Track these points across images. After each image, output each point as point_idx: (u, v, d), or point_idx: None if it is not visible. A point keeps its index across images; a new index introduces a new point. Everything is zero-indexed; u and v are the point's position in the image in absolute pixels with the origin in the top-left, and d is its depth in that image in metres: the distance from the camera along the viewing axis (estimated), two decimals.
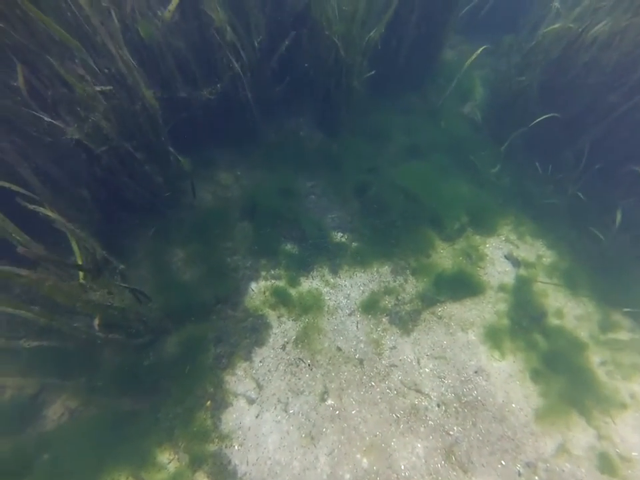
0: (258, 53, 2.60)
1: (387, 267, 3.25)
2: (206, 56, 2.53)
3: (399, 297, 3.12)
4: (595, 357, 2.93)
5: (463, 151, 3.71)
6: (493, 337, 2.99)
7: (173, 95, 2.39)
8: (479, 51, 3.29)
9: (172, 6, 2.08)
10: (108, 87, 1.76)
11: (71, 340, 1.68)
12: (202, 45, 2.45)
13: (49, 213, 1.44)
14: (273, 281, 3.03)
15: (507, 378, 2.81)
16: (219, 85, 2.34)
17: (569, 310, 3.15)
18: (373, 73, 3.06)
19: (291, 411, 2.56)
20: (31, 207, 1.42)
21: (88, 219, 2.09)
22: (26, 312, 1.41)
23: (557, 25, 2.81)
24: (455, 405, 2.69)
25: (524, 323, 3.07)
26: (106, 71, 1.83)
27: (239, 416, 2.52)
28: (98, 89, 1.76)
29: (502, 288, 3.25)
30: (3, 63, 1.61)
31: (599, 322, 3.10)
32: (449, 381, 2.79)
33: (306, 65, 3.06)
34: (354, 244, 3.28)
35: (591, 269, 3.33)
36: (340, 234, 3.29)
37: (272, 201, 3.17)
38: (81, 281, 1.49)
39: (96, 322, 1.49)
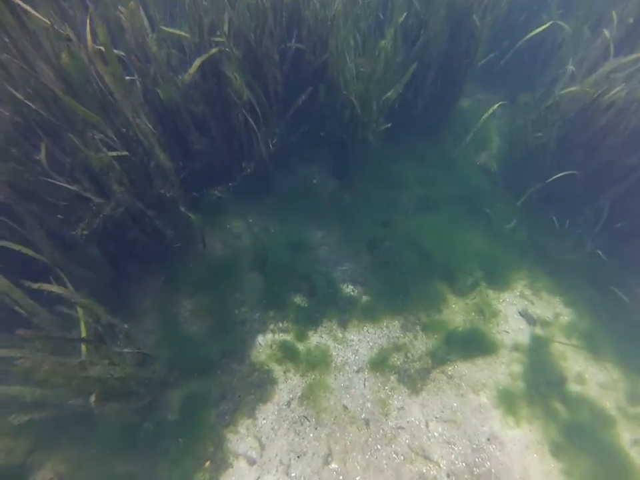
0: (274, 107, 2.65)
1: (396, 322, 3.18)
2: (222, 111, 2.58)
3: (408, 354, 3.03)
4: (625, 434, 2.74)
5: (478, 203, 3.67)
6: (507, 401, 2.85)
7: (188, 147, 2.44)
8: (495, 107, 3.30)
9: (192, 69, 2.14)
10: (124, 153, 1.79)
11: (65, 411, 1.65)
12: (219, 100, 2.51)
13: (55, 289, 1.45)
14: (280, 335, 2.99)
15: (523, 449, 2.66)
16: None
17: (591, 376, 2.99)
18: (389, 125, 3.08)
19: (292, 474, 2.47)
20: (35, 286, 1.43)
21: (96, 276, 2.10)
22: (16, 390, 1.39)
23: (573, 89, 2.80)
24: (466, 476, 2.55)
25: (541, 387, 2.93)
26: (123, 131, 1.87)
27: (239, 478, 2.43)
28: (114, 154, 1.80)
29: (516, 347, 3.12)
30: (28, 138, 1.67)
31: (627, 392, 2.93)
32: (460, 448, 2.65)
33: (322, 116, 3.11)
34: (364, 297, 3.23)
35: (614, 332, 3.19)
36: (350, 287, 3.25)
37: (283, 253, 3.17)
38: (83, 357, 1.47)
39: (92, 398, 1.46)
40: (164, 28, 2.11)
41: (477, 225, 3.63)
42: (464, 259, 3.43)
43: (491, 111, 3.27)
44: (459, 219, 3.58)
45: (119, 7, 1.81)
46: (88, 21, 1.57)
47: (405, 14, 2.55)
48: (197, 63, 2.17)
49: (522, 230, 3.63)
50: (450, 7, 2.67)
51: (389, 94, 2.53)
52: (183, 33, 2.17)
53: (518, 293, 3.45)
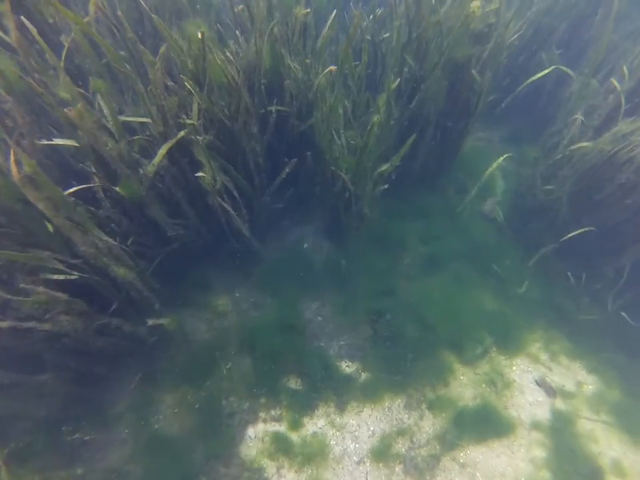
0: (256, 180, 2.39)
1: (399, 400, 2.88)
2: (198, 193, 2.32)
3: (414, 439, 2.73)
4: None
5: (486, 259, 3.38)
6: None
7: (162, 233, 2.18)
8: (500, 160, 3.02)
9: (157, 159, 1.88)
10: (73, 275, 1.52)
11: None
12: (194, 183, 2.24)
13: None
14: (273, 424, 2.70)
15: None
16: None
17: (630, 463, 2.65)
18: (386, 186, 2.80)
19: None
20: None
21: (48, 402, 1.82)
22: None
23: (586, 144, 2.52)
24: None
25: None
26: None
27: None
28: (62, 277, 1.52)
29: (535, 425, 2.81)
30: None
31: None
32: None
33: (312, 178, 2.85)
34: (363, 375, 2.93)
35: None
36: (348, 363, 2.96)
37: (273, 332, 2.89)
38: None
39: None
40: (122, 117, 1.86)
41: (485, 284, 3.34)
42: (472, 325, 3.13)
43: (495, 165, 3.00)
44: (466, 279, 3.29)
45: (67, 109, 1.55)
46: (11, 153, 1.32)
47: (397, 80, 2.28)
48: (162, 151, 1.91)
49: (534, 287, 3.33)
50: (447, 63, 2.41)
51: (384, 168, 2.26)
52: (144, 120, 1.91)
53: (533, 358, 3.14)
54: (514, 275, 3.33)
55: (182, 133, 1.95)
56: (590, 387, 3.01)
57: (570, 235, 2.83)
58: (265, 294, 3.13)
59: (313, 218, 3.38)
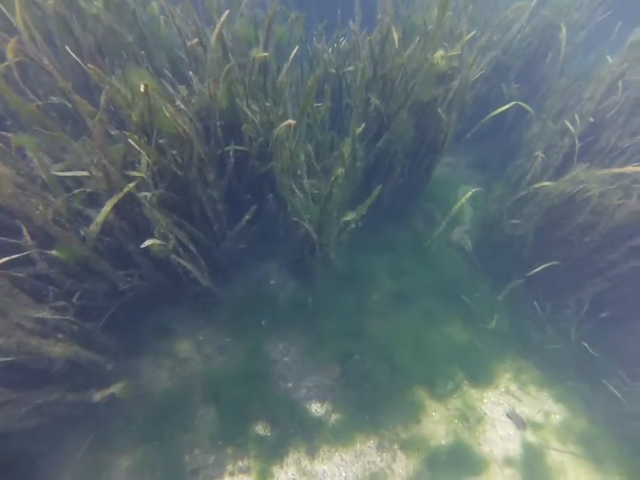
0: (215, 226, 2.25)
1: (371, 441, 2.80)
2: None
3: None
4: None
5: (455, 291, 3.36)
6: None
7: (112, 286, 2.00)
8: (467, 195, 3.02)
9: (100, 218, 1.71)
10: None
11: None
12: (146, 233, 2.06)
13: None
14: (240, 477, 2.55)
15: None
16: None
17: None
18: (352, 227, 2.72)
19: None
20: None
21: None
22: None
23: (547, 184, 2.54)
24: None
25: None
26: None
27: None
28: None
29: (508, 461, 2.80)
30: None
31: None
32: None
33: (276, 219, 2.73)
34: (333, 416, 2.83)
35: (612, 432, 2.91)
36: (318, 405, 2.85)
37: (238, 378, 2.75)
38: None
39: None
40: (55, 172, 1.68)
41: (455, 317, 3.32)
42: (443, 360, 3.11)
43: (463, 199, 2.99)
44: (435, 313, 3.26)
45: None
46: None
47: (362, 125, 2.21)
48: (106, 208, 1.74)
49: (503, 318, 3.34)
50: (413, 103, 2.36)
51: (350, 217, 2.18)
52: (82, 173, 1.73)
53: (503, 389, 3.14)
54: (483, 306, 3.33)
55: (128, 187, 1.78)
56: (557, 416, 3.04)
57: (535, 271, 2.85)
58: (230, 336, 2.98)
59: (277, 254, 3.26)
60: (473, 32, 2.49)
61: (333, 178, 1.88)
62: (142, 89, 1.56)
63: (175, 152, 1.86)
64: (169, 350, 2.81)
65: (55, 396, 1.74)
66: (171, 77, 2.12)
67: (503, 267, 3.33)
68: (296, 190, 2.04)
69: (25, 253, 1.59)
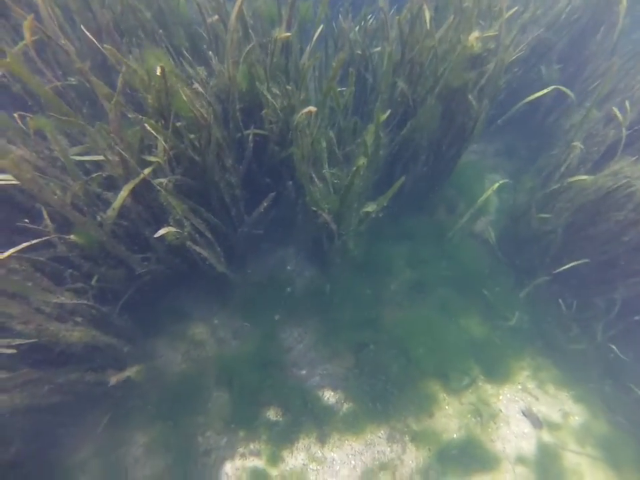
0: (232, 211, 2.21)
1: (382, 431, 2.80)
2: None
3: (396, 474, 2.65)
4: None
5: (475, 284, 3.26)
6: None
7: (129, 269, 2.01)
8: (494, 187, 2.87)
9: (117, 203, 1.69)
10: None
11: None
12: (162, 218, 2.05)
13: None
14: (251, 459, 2.61)
15: None
16: None
17: None
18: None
19: None
20: None
21: None
22: None
23: (585, 177, 2.38)
24: None
25: None
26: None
27: None
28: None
29: (521, 459, 2.75)
30: None
31: None
32: None
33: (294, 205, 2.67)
34: (345, 405, 2.84)
35: (636, 439, 2.81)
36: (330, 393, 2.85)
37: (252, 362, 2.77)
38: None
39: None
40: (74, 157, 1.65)
41: (474, 311, 3.23)
42: (459, 353, 3.04)
43: (490, 191, 2.85)
44: (453, 305, 3.18)
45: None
46: None
47: (388, 112, 2.09)
48: (122, 193, 1.72)
49: (523, 313, 3.23)
50: (443, 88, 2.22)
51: (370, 209, 2.09)
52: (99, 158, 1.70)
53: (520, 386, 3.06)
54: (504, 301, 3.22)
55: (145, 172, 1.75)
56: (576, 418, 2.95)
57: (563, 268, 2.72)
58: (245, 321, 2.99)
59: (295, 240, 3.21)
60: (515, 8, 2.29)
61: (354, 168, 1.80)
62: (158, 72, 1.50)
63: (192, 136, 1.81)
64: (184, 332, 2.84)
65: (75, 376, 1.78)
66: (189, 57, 2.04)
67: (528, 261, 3.19)
68: (315, 179, 1.97)
69: (44, 238, 1.59)
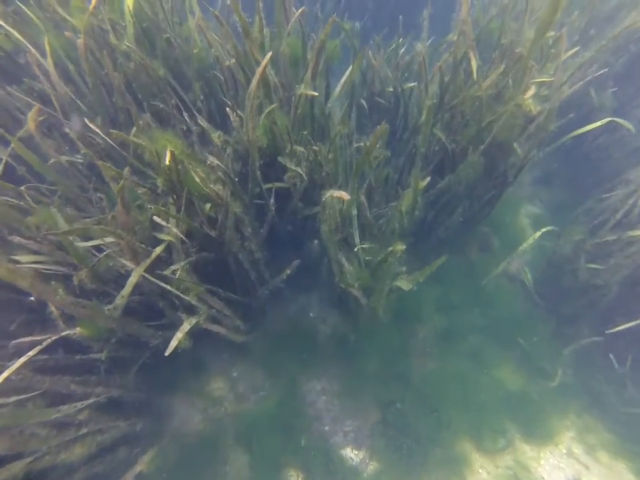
0: (252, 274, 2.04)
1: None
2: None
3: None
4: None
5: (510, 331, 3.01)
6: None
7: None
8: (537, 235, 2.59)
9: (125, 291, 1.54)
10: None
11: None
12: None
13: None
14: None
15: None
16: None
17: None
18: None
19: None
20: None
21: None
22: None
23: None
24: None
25: None
26: None
27: None
28: None
29: None
30: None
31: None
32: None
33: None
34: (370, 466, 2.66)
35: None
36: (355, 452, 2.68)
37: (273, 420, 2.61)
38: None
39: None
40: (79, 244, 1.49)
41: (509, 362, 2.98)
42: (493, 410, 2.82)
43: (531, 239, 2.58)
44: (487, 355, 2.95)
45: None
46: None
47: (427, 179, 1.86)
48: (132, 279, 1.56)
49: (567, 366, 2.96)
50: (488, 143, 1.96)
51: (404, 285, 1.88)
52: (104, 242, 1.54)
53: (564, 450, 2.81)
54: (542, 352, 2.95)
55: (157, 252, 1.58)
56: None
57: (618, 329, 2.44)
58: (265, 372, 2.82)
59: (318, 285, 3.01)
60: (575, 49, 2.00)
61: (390, 249, 1.59)
62: (167, 159, 1.31)
63: (207, 208, 1.63)
64: (202, 388, 2.70)
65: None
66: (206, 114, 1.86)
67: (571, 309, 2.91)
68: (345, 263, 1.77)
69: (49, 339, 1.45)
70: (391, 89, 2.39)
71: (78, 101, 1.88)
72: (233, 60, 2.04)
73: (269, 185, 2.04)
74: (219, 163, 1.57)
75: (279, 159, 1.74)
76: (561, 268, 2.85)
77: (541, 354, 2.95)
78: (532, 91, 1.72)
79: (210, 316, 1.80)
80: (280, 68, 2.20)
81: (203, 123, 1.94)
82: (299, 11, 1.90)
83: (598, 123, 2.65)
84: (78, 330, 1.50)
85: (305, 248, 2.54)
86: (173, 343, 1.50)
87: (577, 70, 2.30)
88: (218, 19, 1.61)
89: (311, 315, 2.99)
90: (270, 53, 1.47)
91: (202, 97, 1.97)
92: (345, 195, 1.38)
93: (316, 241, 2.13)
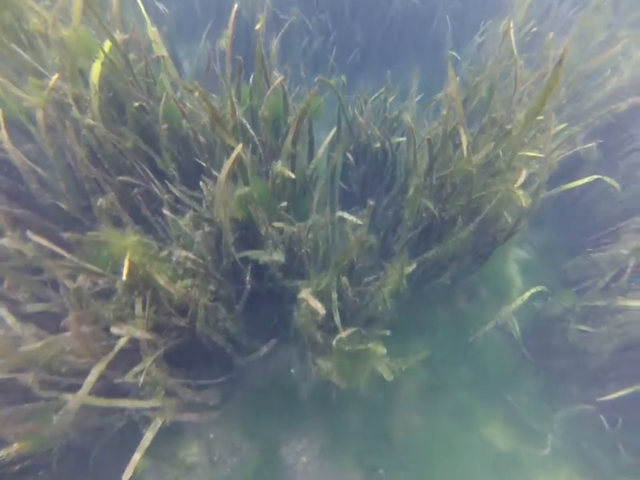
0: (228, 352, 1.90)
1: None
2: None
3: None
4: None
5: (498, 387, 2.93)
6: None
7: None
8: (525, 296, 2.52)
9: (82, 392, 1.38)
10: None
11: None
12: None
13: None
14: None
15: None
16: None
17: None
18: None
19: None
20: None
21: None
22: None
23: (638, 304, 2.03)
24: None
25: None
26: None
27: None
28: None
29: None
30: None
31: None
32: None
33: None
34: None
35: None
36: None
37: None
38: None
39: None
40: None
41: (497, 419, 2.90)
42: (481, 474, 2.72)
43: (519, 300, 2.50)
44: (474, 413, 2.87)
45: None
46: None
47: (413, 265, 1.75)
48: (90, 379, 1.41)
49: (556, 427, 2.88)
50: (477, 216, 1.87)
51: (386, 375, 1.77)
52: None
53: None
54: (532, 411, 2.88)
55: (115, 350, 1.44)
56: None
57: (611, 397, 2.37)
58: (244, 434, 2.68)
59: (298, 340, 2.88)
60: (563, 125, 1.94)
61: (371, 350, 1.48)
62: (125, 274, 1.19)
63: (176, 302, 1.50)
64: (174, 455, 2.54)
65: None
66: (179, 176, 1.73)
67: (560, 367, 2.84)
68: (320, 363, 1.66)
69: None
70: (378, 144, 2.29)
71: (38, 169, 1.73)
72: (206, 120, 1.91)
73: (246, 253, 1.91)
74: (187, 255, 1.44)
75: (249, 254, 1.62)
76: (549, 326, 2.78)
77: (530, 413, 2.88)
78: (522, 177, 1.63)
79: (178, 406, 1.66)
80: (258, 125, 2.08)
81: (175, 190, 1.81)
82: (279, 79, 1.78)
83: (585, 180, 2.61)
84: (15, 447, 1.34)
85: (286, 302, 2.42)
86: (129, 470, 1.35)
87: (564, 141, 2.24)
88: (187, 87, 1.48)
89: (292, 371, 2.87)
90: (240, 146, 1.35)
91: (174, 165, 1.83)
92: (320, 309, 1.26)
93: (295, 312, 2.01)
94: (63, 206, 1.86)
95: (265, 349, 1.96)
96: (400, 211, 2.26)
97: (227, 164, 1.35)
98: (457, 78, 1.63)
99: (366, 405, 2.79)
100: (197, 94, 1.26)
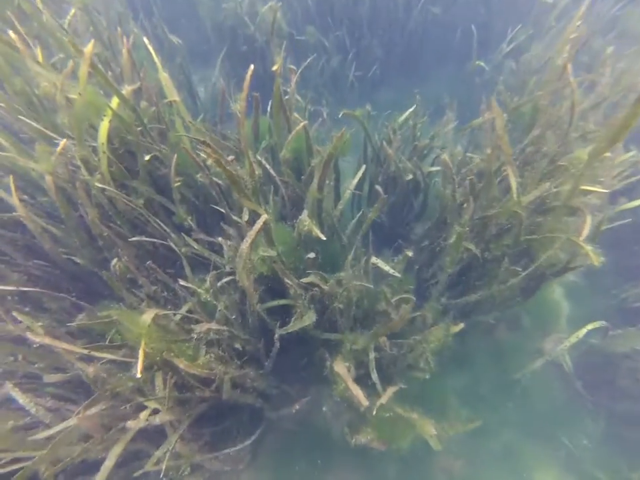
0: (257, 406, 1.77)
1: None
2: None
3: None
4: None
5: (549, 428, 2.68)
6: None
7: None
8: (580, 333, 2.26)
9: (100, 476, 1.28)
10: None
11: None
12: None
13: None
14: None
15: None
16: None
17: None
18: None
19: None
20: None
21: None
22: None
23: None
24: None
25: None
26: None
27: None
28: None
29: None
30: None
31: None
32: None
33: None
34: None
35: None
36: None
37: None
38: None
39: None
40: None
41: (552, 463, 2.64)
42: None
43: (574, 338, 2.25)
44: (523, 456, 2.63)
45: None
46: None
47: (461, 325, 1.56)
48: (107, 463, 1.31)
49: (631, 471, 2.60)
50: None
51: (433, 442, 1.59)
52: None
53: None
54: (593, 457, 2.61)
55: (133, 428, 1.33)
56: None
57: None
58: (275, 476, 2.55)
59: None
60: (631, 154, 1.70)
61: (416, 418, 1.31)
62: (139, 368, 1.07)
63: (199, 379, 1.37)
64: None
65: None
66: (196, 227, 1.61)
67: (629, 411, 2.56)
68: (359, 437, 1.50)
69: None
70: (411, 176, 2.11)
71: (52, 229, 1.65)
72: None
73: (272, 304, 1.77)
74: (209, 327, 1.32)
75: (281, 332, 1.48)
76: (611, 361, 2.51)
77: (592, 459, 2.60)
78: (587, 226, 1.42)
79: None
80: (278, 161, 1.95)
81: (193, 243, 1.69)
82: (301, 124, 1.63)
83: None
84: None
85: (317, 344, 2.27)
86: None
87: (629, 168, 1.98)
88: (206, 144, 1.35)
89: (324, 409, 2.71)
90: (264, 217, 1.21)
91: (190, 217, 1.72)
92: (362, 399, 1.10)
93: (328, 361, 1.85)
94: (79, 260, 1.77)
95: (297, 406, 1.80)
96: (436, 246, 2.07)
97: (250, 236, 1.21)
98: (497, 106, 1.43)
99: (404, 451, 2.61)
100: (210, 161, 1.13)
